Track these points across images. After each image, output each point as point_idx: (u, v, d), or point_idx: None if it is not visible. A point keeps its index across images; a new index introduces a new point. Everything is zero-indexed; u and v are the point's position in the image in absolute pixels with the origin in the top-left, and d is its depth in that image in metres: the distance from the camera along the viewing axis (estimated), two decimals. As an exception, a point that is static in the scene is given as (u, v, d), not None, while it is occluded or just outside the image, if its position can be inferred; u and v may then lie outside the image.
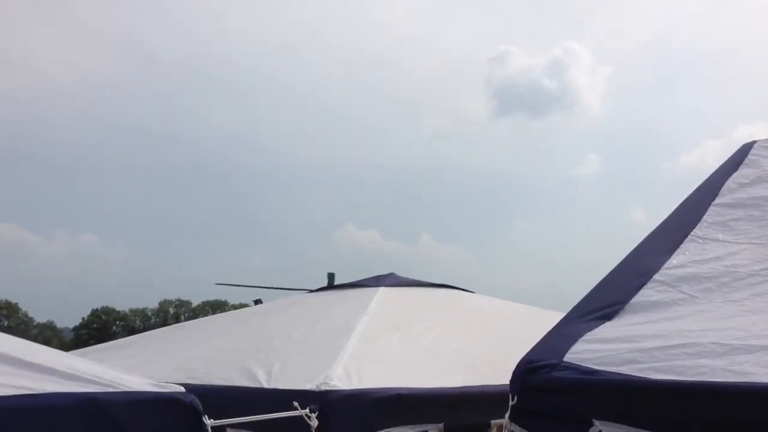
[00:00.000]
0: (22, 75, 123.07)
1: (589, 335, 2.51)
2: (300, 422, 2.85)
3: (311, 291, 6.62)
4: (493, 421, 3.39)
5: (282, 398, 2.99)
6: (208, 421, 2.46)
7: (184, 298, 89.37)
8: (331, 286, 6.19)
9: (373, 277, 5.85)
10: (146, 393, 2.39)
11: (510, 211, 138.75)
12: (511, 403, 2.51)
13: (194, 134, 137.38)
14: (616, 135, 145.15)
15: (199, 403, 2.46)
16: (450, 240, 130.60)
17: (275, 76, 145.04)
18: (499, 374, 3.24)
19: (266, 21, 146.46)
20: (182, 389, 2.48)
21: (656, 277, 2.76)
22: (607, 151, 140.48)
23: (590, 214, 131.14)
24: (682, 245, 2.93)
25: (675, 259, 2.86)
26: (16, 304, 79.05)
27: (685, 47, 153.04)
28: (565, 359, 2.39)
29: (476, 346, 4.33)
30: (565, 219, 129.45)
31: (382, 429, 3.10)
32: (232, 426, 2.91)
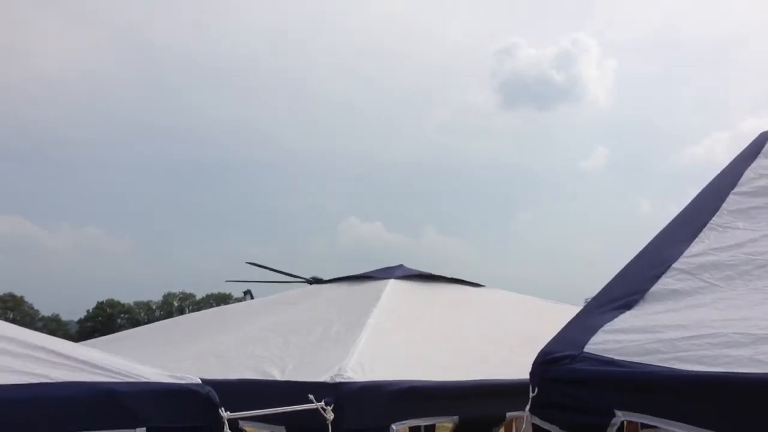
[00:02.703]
0: (23, 68, 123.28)
1: (609, 326, 2.48)
2: (315, 415, 2.81)
3: (322, 282, 6.59)
4: (508, 414, 3.36)
5: (296, 391, 2.96)
6: (225, 414, 2.43)
7: (188, 290, 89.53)
8: (339, 278, 6.13)
9: (382, 269, 5.78)
10: (162, 384, 2.36)
11: (516, 204, 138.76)
12: (531, 395, 2.48)
13: (198, 127, 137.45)
14: (624, 127, 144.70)
15: (216, 395, 2.44)
16: (454, 233, 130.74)
17: (278, 69, 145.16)
18: (513, 368, 3.21)
19: (269, 13, 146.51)
20: (198, 380, 2.45)
21: (676, 265, 2.73)
22: (615, 143, 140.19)
23: (597, 206, 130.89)
24: (701, 233, 2.90)
25: (695, 248, 2.82)
26: (22, 297, 79.30)
27: (693, 38, 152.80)
28: (585, 350, 2.37)
29: (489, 340, 4.30)
30: (571, 211, 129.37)
31: (396, 422, 3.06)
32: (246, 419, 2.88)
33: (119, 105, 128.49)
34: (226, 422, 2.43)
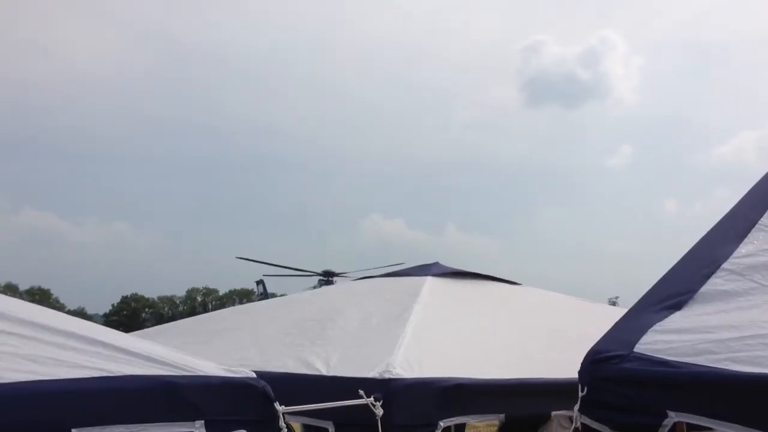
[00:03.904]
0: (53, 66, 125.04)
1: (659, 326, 2.49)
2: (363, 410, 2.84)
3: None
4: (554, 413, 3.37)
5: (344, 386, 3.00)
6: (280, 408, 2.48)
7: (211, 286, 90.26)
8: (377, 275, 6.15)
9: (418, 267, 5.82)
10: (220, 378, 2.41)
11: (539, 202, 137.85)
12: (580, 394, 2.50)
13: (222, 124, 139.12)
14: (650, 126, 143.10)
15: (270, 389, 2.48)
16: (476, 230, 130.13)
17: (302, 67, 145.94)
18: (557, 367, 3.23)
19: (294, 12, 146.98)
20: (253, 374, 2.50)
21: (725, 266, 2.71)
22: (640, 141, 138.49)
23: (622, 204, 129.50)
24: (750, 234, 2.88)
25: (743, 248, 2.81)
26: (48, 290, 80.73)
27: (720, 36, 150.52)
28: (635, 350, 2.38)
29: (530, 338, 4.29)
30: (596, 210, 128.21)
31: (444, 419, 3.08)
32: (295, 413, 2.91)
33: (147, 103, 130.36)
34: (281, 416, 2.48)
